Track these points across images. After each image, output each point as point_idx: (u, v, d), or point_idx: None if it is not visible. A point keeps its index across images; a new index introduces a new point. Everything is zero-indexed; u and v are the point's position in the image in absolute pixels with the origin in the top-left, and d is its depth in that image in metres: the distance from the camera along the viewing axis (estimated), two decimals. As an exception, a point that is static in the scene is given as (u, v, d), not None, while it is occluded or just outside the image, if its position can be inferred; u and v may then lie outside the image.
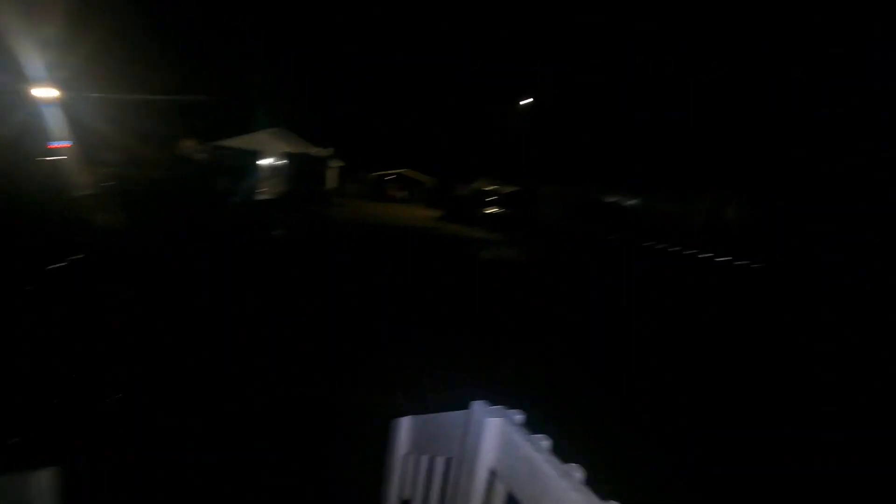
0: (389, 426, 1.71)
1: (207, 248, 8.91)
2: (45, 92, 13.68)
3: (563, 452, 0.98)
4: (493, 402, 1.18)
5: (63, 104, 14.38)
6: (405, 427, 1.59)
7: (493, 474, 1.10)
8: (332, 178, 27.71)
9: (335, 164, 28.25)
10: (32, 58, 12.88)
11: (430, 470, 1.41)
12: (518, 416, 1.12)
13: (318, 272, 8.03)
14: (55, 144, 14.27)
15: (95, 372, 3.38)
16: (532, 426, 1.14)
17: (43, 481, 1.15)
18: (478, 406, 1.15)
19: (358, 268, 8.90)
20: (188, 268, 7.18)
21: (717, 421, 3.93)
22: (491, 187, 29.14)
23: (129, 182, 15.48)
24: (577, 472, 0.90)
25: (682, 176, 17.49)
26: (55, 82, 13.97)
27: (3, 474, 1.20)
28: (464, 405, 1.23)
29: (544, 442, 1.01)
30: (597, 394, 4.17)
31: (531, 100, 29.69)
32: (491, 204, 25.57)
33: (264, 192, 20.64)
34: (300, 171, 21.98)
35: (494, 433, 1.09)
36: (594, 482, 0.89)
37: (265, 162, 24.00)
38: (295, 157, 22.84)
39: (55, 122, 13.97)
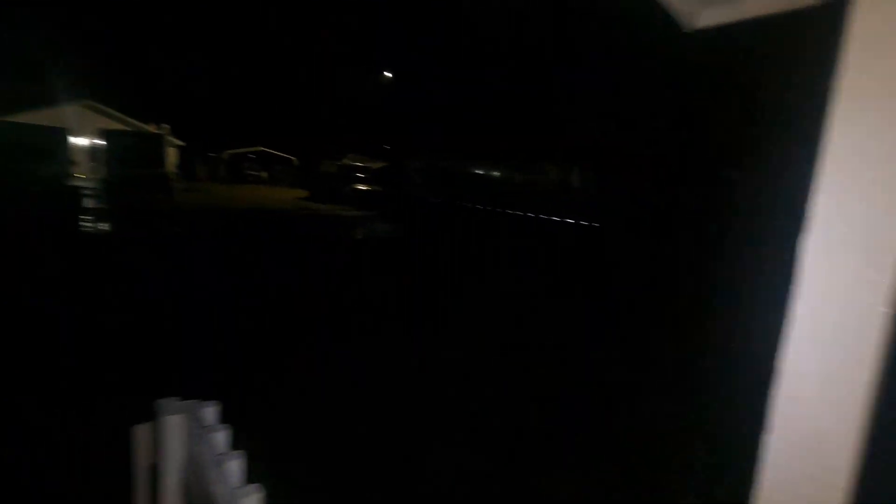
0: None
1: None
2: None
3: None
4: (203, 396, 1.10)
5: None
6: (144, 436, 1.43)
7: (184, 473, 1.02)
8: (171, 160, 24.09)
9: (173, 142, 24.57)
10: None
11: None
12: (210, 409, 1.05)
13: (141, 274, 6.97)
14: None
15: None
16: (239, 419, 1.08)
17: None
18: (166, 403, 1.05)
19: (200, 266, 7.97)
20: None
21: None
22: (359, 163, 28.38)
23: None
24: (236, 461, 0.87)
25: (534, 147, 19.03)
26: None
27: None
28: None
29: (221, 433, 0.96)
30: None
31: (390, 74, 29.28)
32: (360, 181, 24.99)
33: (79, 179, 17.16)
34: (125, 152, 18.58)
35: (179, 431, 1.01)
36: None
37: (78, 142, 19.83)
38: (116, 135, 19.28)
39: None
